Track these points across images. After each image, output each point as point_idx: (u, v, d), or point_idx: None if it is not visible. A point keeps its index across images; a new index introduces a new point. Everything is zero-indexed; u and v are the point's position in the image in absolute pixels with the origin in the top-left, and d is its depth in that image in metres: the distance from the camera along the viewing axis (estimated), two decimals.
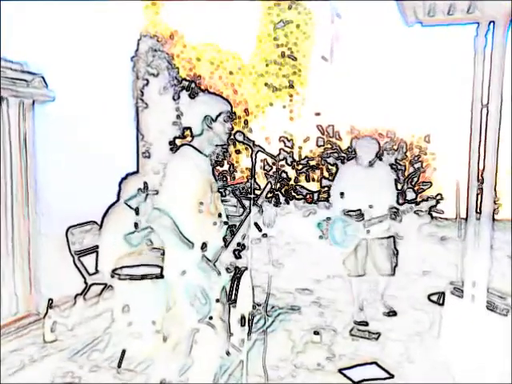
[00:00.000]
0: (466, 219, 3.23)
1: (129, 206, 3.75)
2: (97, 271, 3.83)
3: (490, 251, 3.12)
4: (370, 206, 4.07)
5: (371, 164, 4.14)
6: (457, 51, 4.50)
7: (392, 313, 4.35)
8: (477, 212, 3.14)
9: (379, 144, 4.25)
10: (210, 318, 2.65)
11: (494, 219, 3.10)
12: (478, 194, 3.11)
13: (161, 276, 2.76)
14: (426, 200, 5.18)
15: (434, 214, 5.26)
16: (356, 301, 4.31)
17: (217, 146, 2.74)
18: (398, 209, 4.06)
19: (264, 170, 5.88)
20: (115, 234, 3.69)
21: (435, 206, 5.03)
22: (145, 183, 3.76)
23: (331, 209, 4.34)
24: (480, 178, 3.07)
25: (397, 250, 4.26)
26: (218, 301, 2.69)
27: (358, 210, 4.07)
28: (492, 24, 2.84)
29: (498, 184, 3.18)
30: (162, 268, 2.77)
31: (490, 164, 2.98)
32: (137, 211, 3.80)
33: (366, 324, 4.19)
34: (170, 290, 2.69)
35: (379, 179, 4.12)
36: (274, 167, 5.88)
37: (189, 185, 2.62)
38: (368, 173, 4.13)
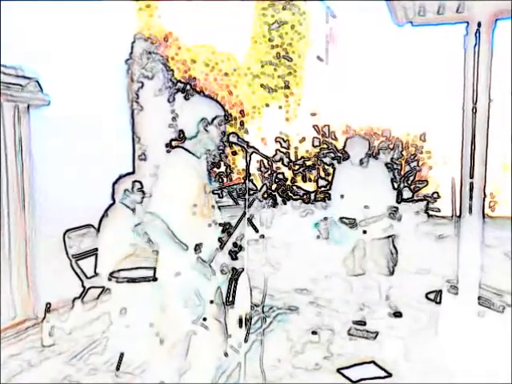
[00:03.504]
0: (460, 216, 3.25)
1: (125, 204, 3.76)
2: (96, 274, 3.82)
3: (482, 247, 3.13)
4: (366, 207, 4.08)
5: (363, 163, 4.14)
6: (449, 50, 4.52)
7: (398, 313, 4.34)
8: (470, 209, 3.16)
9: (369, 143, 4.24)
10: (204, 319, 2.66)
11: (484, 216, 3.11)
12: (471, 191, 3.13)
13: (155, 279, 2.76)
14: (424, 199, 5.18)
15: (431, 213, 5.27)
16: (356, 300, 4.33)
17: (209, 149, 2.74)
18: (397, 207, 4.07)
19: (260, 171, 5.89)
20: (113, 236, 3.69)
21: (432, 203, 5.05)
22: (133, 183, 3.76)
23: (330, 209, 4.36)
24: (472, 175, 3.08)
25: (396, 249, 4.26)
26: (212, 302, 2.70)
27: (352, 219, 4.10)
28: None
29: (493, 181, 3.19)
30: (155, 270, 2.77)
31: (479, 162, 2.99)
32: (134, 210, 3.81)
33: (364, 323, 4.19)
34: (165, 293, 2.69)
35: (374, 179, 4.12)
36: (269, 168, 5.89)
37: (181, 187, 2.62)
38: (363, 173, 4.13)
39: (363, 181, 4.08)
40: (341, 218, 4.15)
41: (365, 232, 4.11)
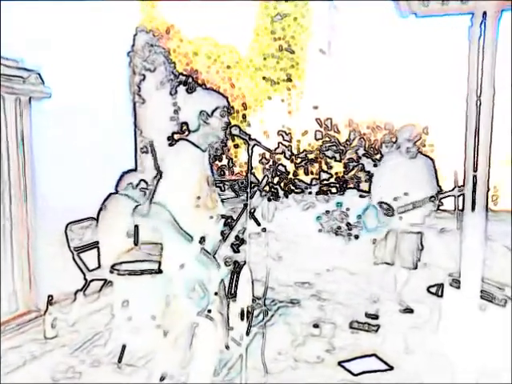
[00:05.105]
0: (463, 210, 3.23)
1: (127, 195, 3.75)
2: (99, 266, 3.83)
3: (485, 242, 3.11)
4: (406, 194, 4.09)
5: (412, 153, 4.15)
6: (453, 42, 4.48)
7: (408, 310, 4.33)
8: (473, 203, 3.13)
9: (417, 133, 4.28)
10: (209, 311, 2.66)
11: (487, 209, 3.09)
12: (473, 185, 3.10)
13: (159, 271, 2.76)
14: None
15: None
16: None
17: (213, 141, 2.74)
18: (435, 197, 4.09)
19: (261, 163, 5.86)
20: (112, 228, 3.69)
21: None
22: (140, 181, 3.76)
23: (370, 197, 4.36)
24: (475, 169, 3.06)
25: (422, 246, 4.26)
26: (216, 294, 2.70)
27: (390, 207, 4.10)
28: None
29: (494, 175, 3.17)
30: (160, 263, 2.77)
31: (483, 155, 2.96)
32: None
33: (376, 317, 4.17)
34: (169, 284, 2.69)
35: (419, 170, 4.16)
36: (271, 161, 5.87)
37: (185, 179, 2.63)
38: (409, 163, 4.17)
39: (408, 171, 4.10)
40: (380, 203, 4.15)
41: (401, 218, 4.11)
